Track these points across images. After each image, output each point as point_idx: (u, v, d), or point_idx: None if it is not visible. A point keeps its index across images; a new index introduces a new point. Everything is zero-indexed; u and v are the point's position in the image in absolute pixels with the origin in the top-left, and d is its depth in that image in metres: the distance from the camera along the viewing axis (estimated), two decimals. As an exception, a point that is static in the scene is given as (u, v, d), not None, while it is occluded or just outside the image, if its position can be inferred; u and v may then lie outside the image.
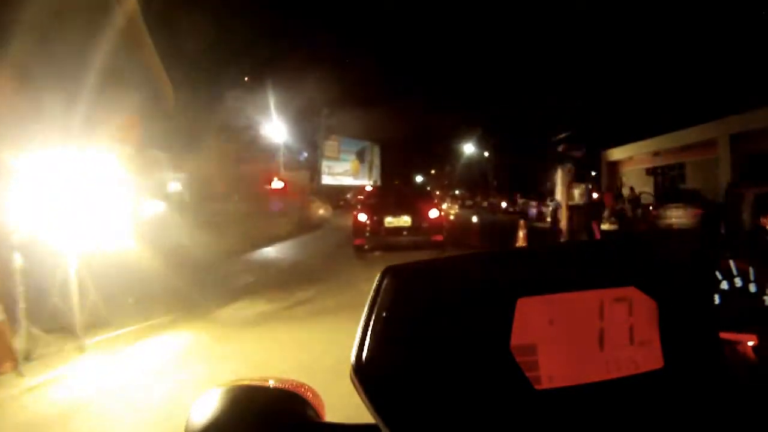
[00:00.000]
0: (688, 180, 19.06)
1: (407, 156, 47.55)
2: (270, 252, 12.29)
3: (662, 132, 19.74)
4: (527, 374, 0.51)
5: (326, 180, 36.38)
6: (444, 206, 16.54)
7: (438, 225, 9.79)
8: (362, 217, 9.65)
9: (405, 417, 0.50)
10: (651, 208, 14.32)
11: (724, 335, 0.63)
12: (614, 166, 25.56)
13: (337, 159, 39.32)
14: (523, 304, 0.53)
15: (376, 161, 45.63)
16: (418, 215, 9.56)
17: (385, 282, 0.54)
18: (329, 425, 0.58)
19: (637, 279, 0.57)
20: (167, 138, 11.88)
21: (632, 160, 23.58)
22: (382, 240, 9.49)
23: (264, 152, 24.04)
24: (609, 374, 0.54)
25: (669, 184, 19.95)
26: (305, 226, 17.23)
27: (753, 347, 0.66)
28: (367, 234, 9.46)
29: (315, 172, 33.08)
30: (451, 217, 19.25)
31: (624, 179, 23.29)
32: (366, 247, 9.59)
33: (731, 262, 0.69)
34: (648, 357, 0.56)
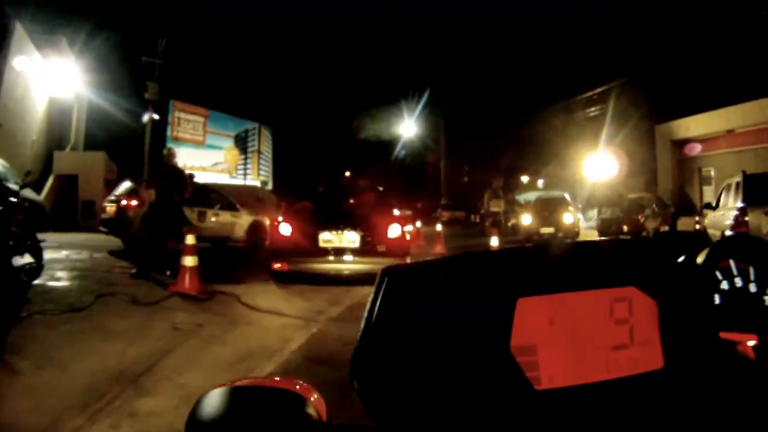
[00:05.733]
0: None
1: (315, 148, 31.50)
2: None
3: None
4: (527, 374, 0.51)
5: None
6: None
7: (401, 248, 6.84)
8: (285, 230, 6.80)
9: (404, 418, 0.50)
10: None
11: (724, 335, 0.63)
12: (683, 147, 15.94)
13: (201, 144, 24.56)
14: (523, 304, 0.53)
15: (267, 152, 29.40)
16: (371, 232, 6.71)
17: (385, 283, 0.54)
18: (330, 426, 0.58)
19: (637, 279, 0.57)
20: None
21: (732, 137, 13.62)
22: (314, 266, 6.67)
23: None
24: (609, 374, 0.54)
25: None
26: None
27: (753, 347, 0.65)
28: (291, 256, 6.65)
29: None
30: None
31: (713, 173, 13.45)
32: (288, 274, 6.64)
33: (731, 262, 0.69)
34: (648, 357, 0.56)
